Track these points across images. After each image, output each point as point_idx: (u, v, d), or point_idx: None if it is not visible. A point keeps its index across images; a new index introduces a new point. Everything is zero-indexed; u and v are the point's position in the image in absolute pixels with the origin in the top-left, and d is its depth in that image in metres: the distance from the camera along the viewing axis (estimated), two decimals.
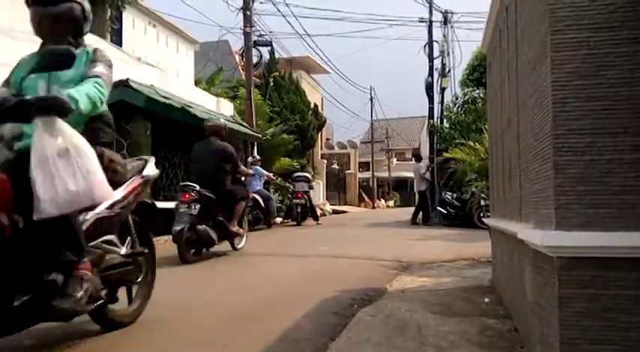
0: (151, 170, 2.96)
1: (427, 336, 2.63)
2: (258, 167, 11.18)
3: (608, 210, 1.65)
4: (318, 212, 13.76)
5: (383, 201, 33.43)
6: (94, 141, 2.24)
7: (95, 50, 2.51)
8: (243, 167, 6.75)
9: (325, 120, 21.29)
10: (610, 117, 1.66)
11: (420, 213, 12.98)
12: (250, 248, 7.30)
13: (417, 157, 14.47)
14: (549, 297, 1.77)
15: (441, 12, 17.85)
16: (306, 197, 11.95)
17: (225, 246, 6.16)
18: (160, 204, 9.25)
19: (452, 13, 17.78)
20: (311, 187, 12.97)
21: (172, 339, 2.68)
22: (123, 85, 7.62)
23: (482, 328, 2.77)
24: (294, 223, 11.87)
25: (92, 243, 2.39)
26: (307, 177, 12.96)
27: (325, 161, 23.59)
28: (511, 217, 2.86)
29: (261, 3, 22.67)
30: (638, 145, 1.64)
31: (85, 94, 2.18)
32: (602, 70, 1.68)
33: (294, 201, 12.08)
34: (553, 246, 1.68)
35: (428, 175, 13.55)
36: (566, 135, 1.68)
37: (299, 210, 11.81)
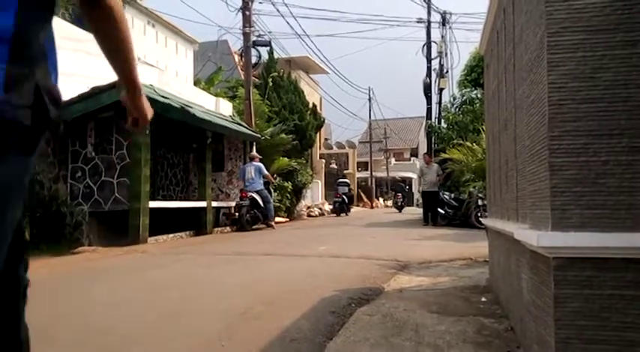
0: None
1: (424, 336, 2.64)
2: (260, 164, 11.20)
3: (603, 211, 1.66)
4: (317, 212, 17.72)
5: (381, 200, 33.46)
6: None
7: None
8: None
9: (324, 120, 21.25)
10: (606, 119, 1.68)
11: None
12: (248, 247, 7.31)
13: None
14: (545, 297, 1.78)
15: (439, 13, 17.92)
16: (344, 196, 17.73)
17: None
18: (158, 204, 9.22)
19: (450, 14, 17.88)
20: (350, 189, 19.61)
21: (169, 339, 2.70)
22: None
23: (478, 327, 2.79)
24: (335, 214, 17.60)
25: None
26: (347, 183, 19.34)
27: (324, 161, 23.58)
28: (508, 217, 2.88)
29: (260, 3, 22.75)
30: (634, 147, 1.65)
31: None
32: (598, 72, 1.69)
33: (335, 199, 18.23)
34: (549, 246, 1.69)
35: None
36: (562, 137, 1.70)
37: (337, 205, 17.74)
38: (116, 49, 1.26)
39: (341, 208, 17.61)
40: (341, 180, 19.86)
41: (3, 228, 0.97)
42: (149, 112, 1.46)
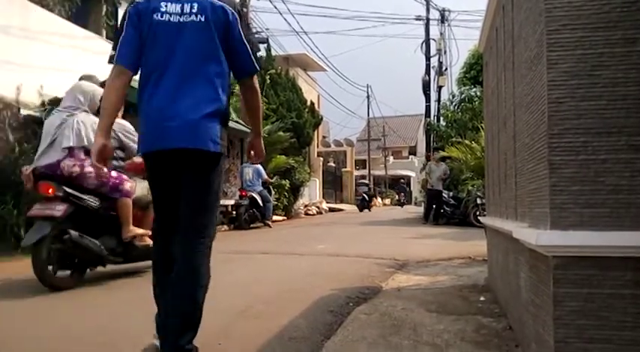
0: None
1: (422, 335, 2.64)
2: (259, 166, 11.19)
3: (602, 210, 1.65)
4: (315, 210, 17.58)
5: (379, 199, 33.47)
6: None
7: None
8: None
9: (322, 118, 21.23)
10: (605, 117, 1.67)
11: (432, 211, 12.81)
12: (247, 246, 7.30)
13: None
14: (544, 296, 1.78)
15: (438, 10, 17.90)
16: (364, 195, 20.97)
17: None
18: None
19: (449, 11, 17.86)
20: (370, 188, 23.41)
21: None
22: None
23: (477, 326, 2.78)
24: (358, 210, 20.17)
25: None
26: (367, 183, 23.92)
27: (322, 159, 23.54)
28: (507, 216, 2.87)
29: (257, 0, 22.60)
30: (633, 145, 1.64)
31: None
32: (598, 70, 1.68)
33: (356, 197, 21.82)
34: (548, 245, 1.68)
35: (423, 175, 13.51)
36: (561, 135, 1.69)
37: (359, 202, 20.72)
38: (252, 109, 2.40)
39: (362, 205, 20.30)
40: (361, 180, 24.50)
41: (218, 204, 2.27)
42: (263, 151, 2.52)
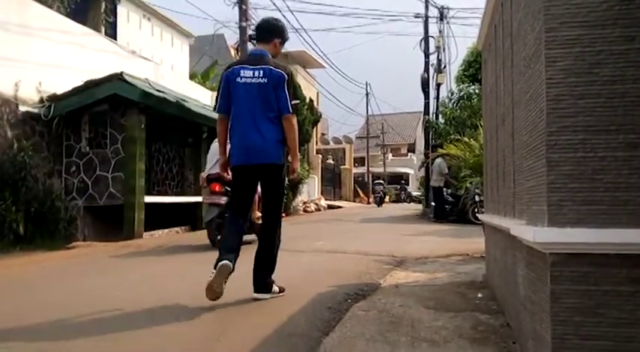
0: None
1: (420, 331, 2.65)
2: None
3: (600, 207, 1.66)
4: (314, 207, 17.63)
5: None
6: None
7: None
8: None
9: (321, 115, 21.19)
10: (603, 115, 1.67)
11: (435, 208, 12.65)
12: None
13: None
14: (541, 293, 1.78)
15: (437, 7, 17.86)
16: (382, 192, 25.42)
17: None
18: (153, 199, 9.18)
19: (448, 8, 17.79)
20: (385, 187, 28.30)
21: (167, 333, 2.69)
22: (117, 78, 7.57)
23: (475, 323, 2.79)
24: (377, 206, 24.11)
25: None
26: (382, 183, 28.78)
27: (320, 156, 23.54)
28: (504, 213, 2.88)
29: None
30: (631, 143, 1.65)
31: None
32: (596, 68, 1.68)
33: (375, 195, 25.85)
34: (545, 242, 1.69)
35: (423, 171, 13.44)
36: (559, 133, 1.69)
37: (378, 199, 24.77)
38: (287, 138, 3.36)
39: (380, 201, 24.59)
40: (377, 181, 29.70)
41: (282, 196, 3.64)
42: (296, 169, 3.54)
